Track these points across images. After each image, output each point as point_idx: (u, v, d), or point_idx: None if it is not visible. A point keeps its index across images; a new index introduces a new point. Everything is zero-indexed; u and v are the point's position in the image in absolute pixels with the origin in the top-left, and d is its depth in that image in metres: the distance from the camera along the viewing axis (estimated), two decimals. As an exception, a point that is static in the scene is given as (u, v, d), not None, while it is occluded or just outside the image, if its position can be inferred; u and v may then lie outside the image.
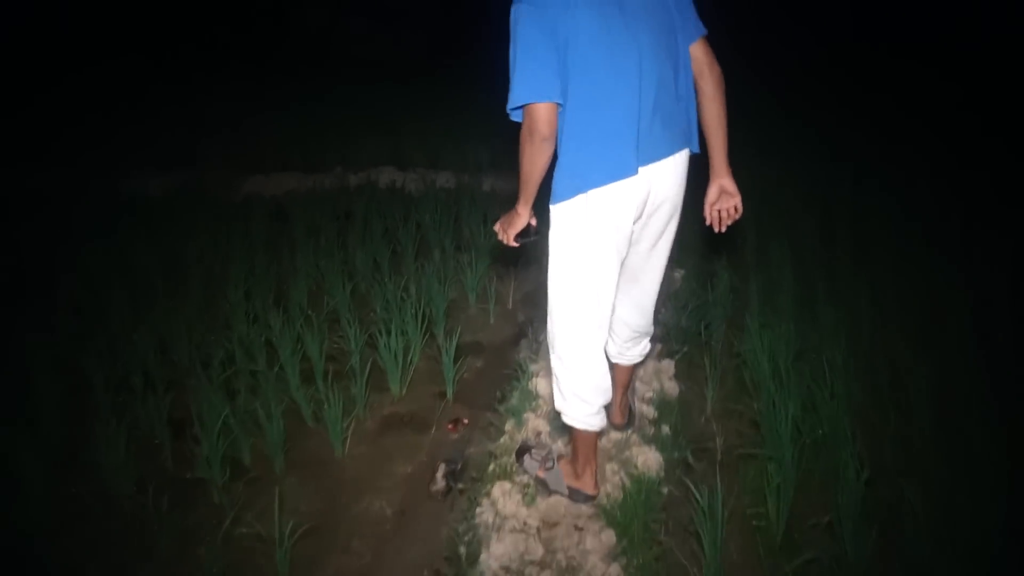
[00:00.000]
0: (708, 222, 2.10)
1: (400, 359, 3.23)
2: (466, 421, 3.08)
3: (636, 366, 2.57)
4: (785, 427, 2.41)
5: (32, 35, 10.91)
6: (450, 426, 3.04)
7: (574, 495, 2.35)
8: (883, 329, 3.42)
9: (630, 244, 2.07)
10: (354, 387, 3.09)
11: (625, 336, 2.38)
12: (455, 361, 3.25)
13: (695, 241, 4.42)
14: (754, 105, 6.31)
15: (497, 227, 2.13)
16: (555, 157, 1.93)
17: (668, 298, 3.89)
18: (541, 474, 2.44)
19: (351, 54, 11.68)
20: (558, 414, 2.31)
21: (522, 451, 2.56)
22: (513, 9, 1.80)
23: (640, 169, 1.91)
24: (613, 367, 2.40)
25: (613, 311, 2.21)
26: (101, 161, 6.25)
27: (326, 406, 2.83)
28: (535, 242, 2.17)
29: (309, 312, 3.59)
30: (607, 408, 2.40)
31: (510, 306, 4.07)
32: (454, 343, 3.27)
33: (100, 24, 11.28)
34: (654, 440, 2.69)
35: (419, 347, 3.43)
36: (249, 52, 11.06)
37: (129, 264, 4.25)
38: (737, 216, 2.08)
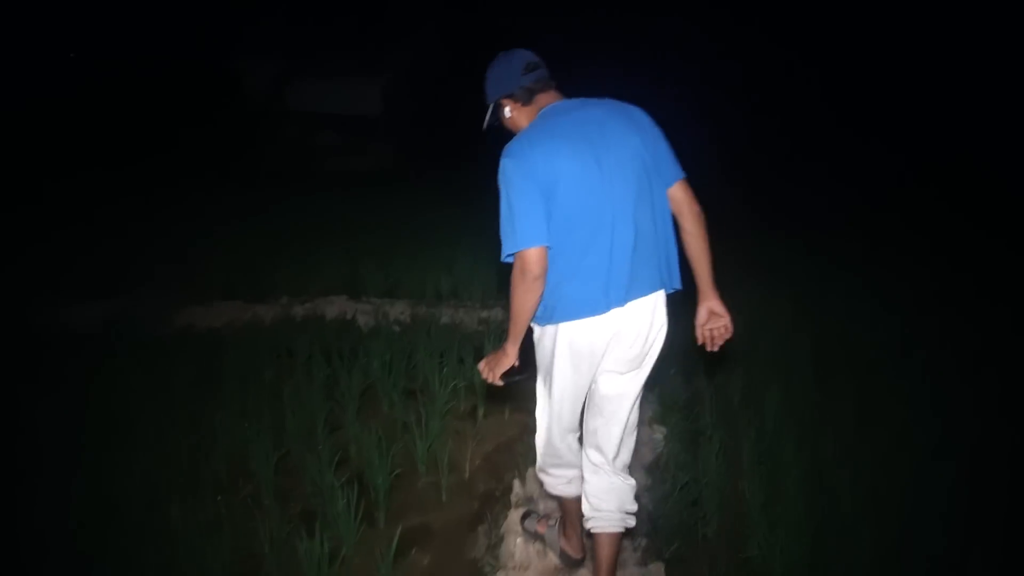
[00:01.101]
0: (700, 342, 2.26)
1: (324, 566, 2.60)
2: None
3: (617, 543, 2.40)
4: None
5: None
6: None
7: (563, 557, 2.68)
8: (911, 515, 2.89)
9: (597, 371, 2.23)
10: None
11: (587, 464, 2.39)
12: (397, 556, 2.66)
13: (677, 393, 3.92)
14: (745, 225, 6.01)
15: (482, 366, 2.22)
16: None
17: (650, 467, 3.34)
18: (541, 529, 2.80)
19: (319, 167, 11.43)
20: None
21: (526, 515, 2.93)
22: (502, 163, 2.01)
23: (613, 309, 2.08)
24: (592, 538, 2.44)
25: (580, 433, 2.43)
26: (18, 288, 5.66)
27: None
28: (519, 383, 2.25)
29: (219, 499, 2.97)
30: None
31: (467, 475, 3.48)
32: (395, 538, 2.67)
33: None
34: None
35: (352, 541, 2.82)
36: (209, 164, 10.72)
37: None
38: (728, 336, 2.23)
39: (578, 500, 2.44)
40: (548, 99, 2.14)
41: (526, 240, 1.95)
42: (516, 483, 3.25)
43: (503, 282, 5.38)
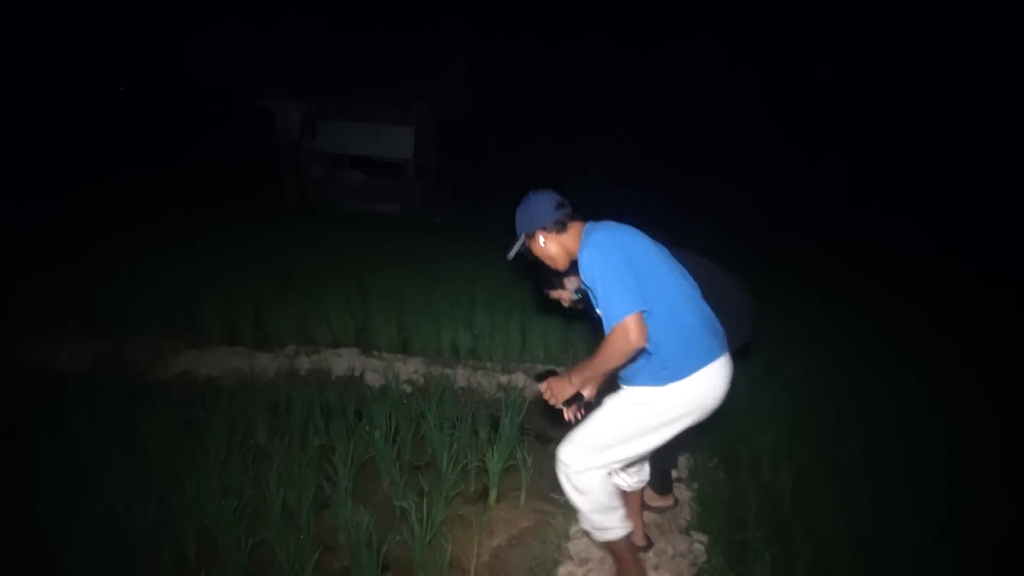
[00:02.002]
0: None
1: None
2: None
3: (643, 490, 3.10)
4: None
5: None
6: None
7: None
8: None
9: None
10: None
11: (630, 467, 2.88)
12: None
13: (719, 490, 3.42)
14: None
15: (544, 388, 2.51)
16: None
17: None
18: None
19: (341, 207, 11.18)
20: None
21: None
22: (587, 252, 2.35)
23: (723, 355, 2.47)
24: (624, 495, 2.88)
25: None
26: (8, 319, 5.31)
27: None
28: (583, 408, 2.57)
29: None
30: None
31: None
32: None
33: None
34: None
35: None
36: (229, 198, 10.51)
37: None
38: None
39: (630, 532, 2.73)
40: (579, 225, 2.53)
41: (630, 306, 2.23)
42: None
43: (527, 342, 4.92)
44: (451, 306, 5.96)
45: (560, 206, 2.51)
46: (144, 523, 2.96)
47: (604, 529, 2.59)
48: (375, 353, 5.21)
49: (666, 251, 2.51)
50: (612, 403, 2.49)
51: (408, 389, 4.81)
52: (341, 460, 3.38)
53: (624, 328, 2.21)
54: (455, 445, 3.71)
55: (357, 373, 4.97)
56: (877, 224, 10.27)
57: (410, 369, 4.98)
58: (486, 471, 3.59)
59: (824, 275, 8.32)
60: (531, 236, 2.54)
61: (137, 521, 2.96)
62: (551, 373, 2.59)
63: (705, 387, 2.39)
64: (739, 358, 2.77)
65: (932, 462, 3.91)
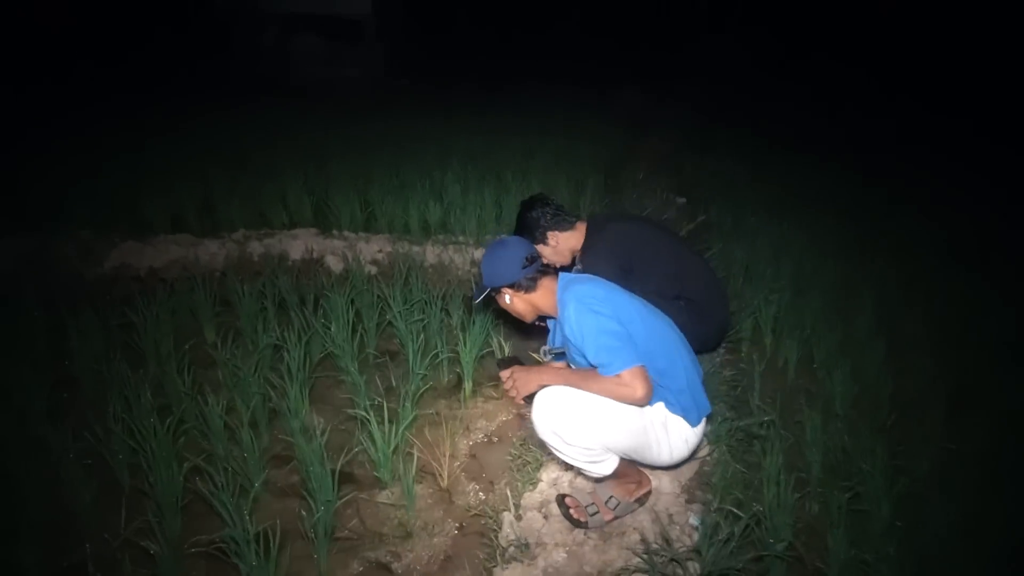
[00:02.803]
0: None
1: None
2: None
3: None
4: None
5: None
6: None
7: (643, 499, 2.37)
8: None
9: None
10: None
11: None
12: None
13: (717, 369, 3.06)
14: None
15: (506, 377, 2.23)
16: None
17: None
18: (608, 517, 2.32)
19: (296, 75, 10.26)
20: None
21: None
22: (572, 309, 2.14)
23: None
24: None
25: None
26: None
27: None
28: None
29: (105, 536, 2.15)
30: None
31: (445, 483, 2.66)
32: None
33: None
34: None
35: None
36: (168, 72, 9.58)
37: None
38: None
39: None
40: (551, 281, 2.32)
41: (631, 359, 2.04)
42: (509, 497, 2.44)
43: (504, 212, 4.40)
44: (419, 177, 5.39)
45: (530, 262, 2.29)
46: (66, 450, 2.58)
47: (598, 463, 2.17)
48: (335, 233, 4.71)
49: (646, 303, 2.32)
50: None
51: (372, 271, 4.37)
52: (293, 359, 2.98)
53: (624, 383, 2.01)
54: (423, 334, 3.31)
55: (316, 255, 4.49)
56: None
57: (374, 249, 4.50)
58: (460, 361, 3.21)
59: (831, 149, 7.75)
60: (496, 291, 2.36)
61: (57, 449, 2.57)
62: (515, 360, 2.35)
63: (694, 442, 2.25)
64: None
65: (951, 325, 3.56)
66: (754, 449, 2.57)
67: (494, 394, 3.23)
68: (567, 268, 3.09)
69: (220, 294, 3.76)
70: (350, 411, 2.91)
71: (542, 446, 2.47)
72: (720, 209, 5.06)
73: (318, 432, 2.54)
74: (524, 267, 2.27)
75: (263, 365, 3.09)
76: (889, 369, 3.09)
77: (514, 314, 2.42)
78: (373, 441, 2.57)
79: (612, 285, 2.30)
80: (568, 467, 2.49)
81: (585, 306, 2.10)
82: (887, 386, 2.96)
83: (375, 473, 2.63)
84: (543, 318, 2.45)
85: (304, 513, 2.33)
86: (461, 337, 3.22)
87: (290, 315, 3.46)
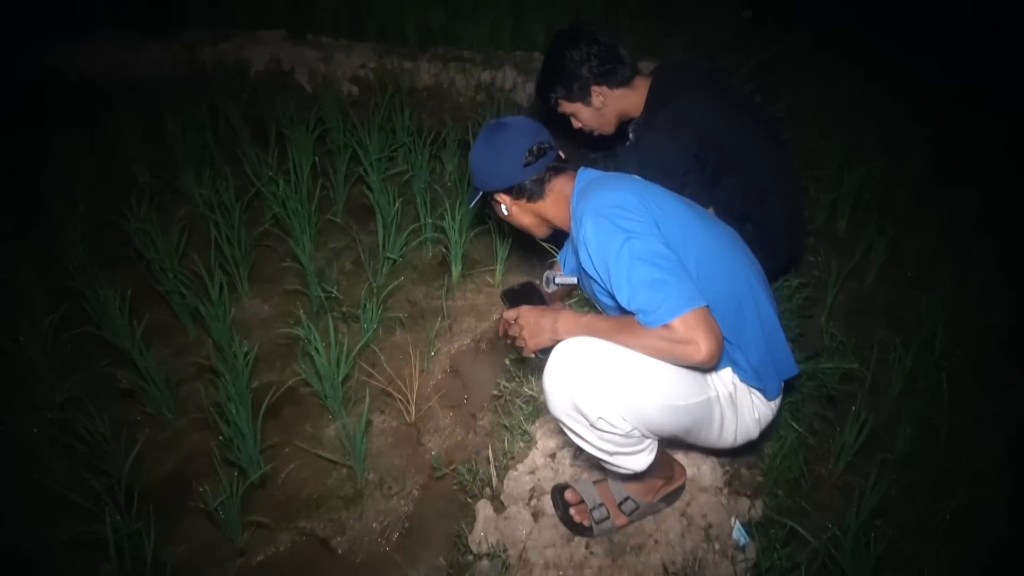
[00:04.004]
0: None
1: None
2: None
3: None
4: None
5: None
6: None
7: (671, 497, 1.66)
8: None
9: None
10: None
11: None
12: None
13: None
14: None
15: (512, 320, 1.50)
16: None
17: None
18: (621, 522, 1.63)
19: None
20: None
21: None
22: (592, 224, 1.37)
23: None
24: None
25: None
26: None
27: None
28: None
29: None
30: None
31: (412, 416, 2.06)
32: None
33: None
34: None
35: None
36: None
37: None
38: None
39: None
40: (565, 181, 1.58)
41: (690, 299, 1.28)
42: (491, 463, 1.84)
43: (523, 21, 3.39)
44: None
45: (535, 155, 1.55)
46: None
47: (632, 455, 1.42)
48: (310, 38, 3.74)
49: (710, 218, 1.56)
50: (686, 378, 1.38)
51: (353, 91, 3.49)
52: (231, 226, 2.28)
53: (678, 336, 1.26)
54: (403, 196, 2.55)
55: (285, 67, 3.59)
56: None
57: (355, 62, 3.57)
58: (447, 234, 2.48)
59: None
60: (488, 197, 1.65)
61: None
62: (528, 293, 1.66)
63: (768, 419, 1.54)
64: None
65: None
66: (827, 415, 1.90)
67: (489, 281, 2.53)
68: (607, 140, 2.22)
69: (157, 116, 2.97)
70: (292, 313, 2.25)
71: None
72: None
73: (242, 354, 1.89)
74: (527, 163, 1.54)
75: (194, 235, 2.40)
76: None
77: (519, 228, 1.69)
78: (316, 371, 1.93)
79: (655, 188, 1.51)
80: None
81: (609, 221, 1.35)
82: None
83: (320, 402, 2.03)
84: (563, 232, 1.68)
85: (218, 469, 1.75)
86: (455, 203, 2.45)
87: (237, 155, 2.69)
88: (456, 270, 2.50)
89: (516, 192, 1.57)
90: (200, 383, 2.08)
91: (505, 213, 1.63)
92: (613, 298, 1.35)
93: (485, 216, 2.32)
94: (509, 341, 1.52)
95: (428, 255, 2.62)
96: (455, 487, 1.85)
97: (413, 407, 2.04)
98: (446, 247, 2.51)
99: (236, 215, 2.37)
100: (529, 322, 1.46)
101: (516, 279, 2.45)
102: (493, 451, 1.82)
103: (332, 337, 1.90)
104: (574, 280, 1.65)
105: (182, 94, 3.16)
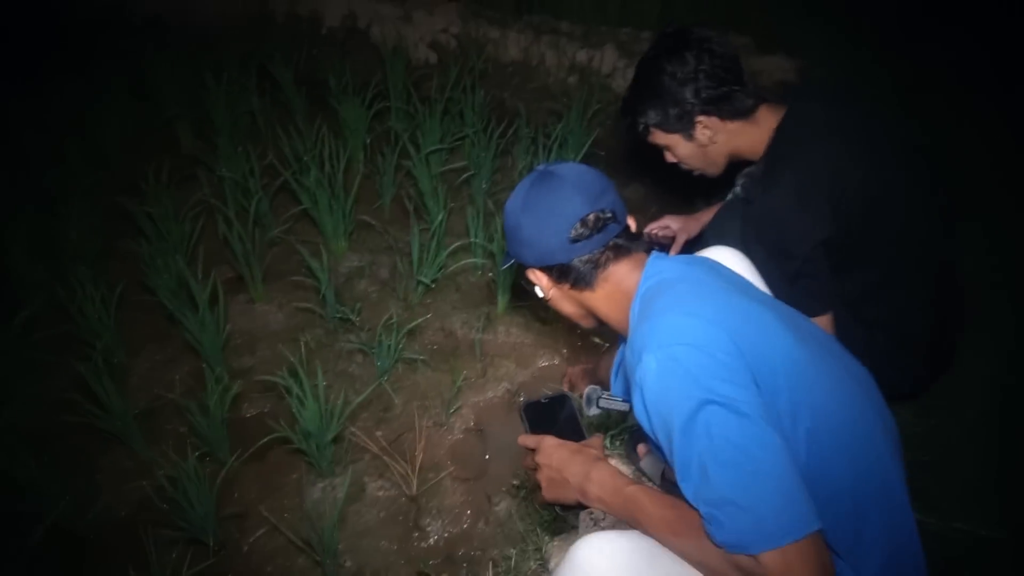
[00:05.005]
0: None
1: None
2: None
3: None
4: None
5: None
6: None
7: None
8: None
9: None
10: None
11: None
12: None
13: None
14: None
15: (532, 446, 1.09)
16: None
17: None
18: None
19: None
20: None
21: None
22: (656, 371, 0.92)
23: None
24: None
25: None
26: None
27: None
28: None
29: None
30: None
31: (414, 488, 1.69)
32: None
33: None
34: None
35: None
36: None
37: None
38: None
39: None
40: (630, 270, 1.09)
41: (802, 524, 0.83)
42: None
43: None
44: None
45: (592, 227, 1.06)
46: None
47: None
48: (395, -9, 3.34)
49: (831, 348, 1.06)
50: None
51: (430, 58, 3.08)
52: (241, 213, 1.95)
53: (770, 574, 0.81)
54: (462, 196, 2.15)
55: (361, 25, 3.22)
56: None
57: (438, 24, 3.15)
58: (495, 256, 2.06)
59: None
60: (522, 270, 1.20)
61: None
62: (558, 411, 1.16)
63: None
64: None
65: None
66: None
67: (542, 316, 2.11)
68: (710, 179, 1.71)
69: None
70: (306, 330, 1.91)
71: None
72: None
73: (217, 391, 1.57)
74: (576, 238, 1.07)
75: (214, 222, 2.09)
76: None
77: (558, 312, 1.23)
78: (301, 418, 1.58)
79: (752, 306, 1.01)
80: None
81: (682, 368, 0.90)
82: None
83: (306, 458, 1.68)
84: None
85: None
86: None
87: (285, 129, 2.35)
88: (503, 300, 2.09)
89: (558, 274, 1.12)
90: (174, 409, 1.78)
91: (540, 295, 1.18)
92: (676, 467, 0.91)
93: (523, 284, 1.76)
94: (534, 476, 1.11)
95: (476, 275, 2.22)
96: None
97: (415, 478, 1.67)
98: (495, 270, 2.11)
99: (254, 205, 2.03)
100: (551, 462, 1.03)
101: (544, 381, 1.96)
102: (494, 572, 1.44)
103: (320, 389, 1.55)
104: (625, 407, 1.20)
105: (240, 46, 2.84)
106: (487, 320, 2.06)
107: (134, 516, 1.62)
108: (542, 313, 2.11)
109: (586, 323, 1.21)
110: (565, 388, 1.85)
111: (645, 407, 0.94)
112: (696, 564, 0.88)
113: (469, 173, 2.34)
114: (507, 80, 3.00)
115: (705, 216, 1.83)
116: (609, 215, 1.07)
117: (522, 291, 2.11)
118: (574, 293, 1.13)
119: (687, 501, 0.89)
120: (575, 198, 1.07)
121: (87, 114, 2.43)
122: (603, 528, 1.31)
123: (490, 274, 2.14)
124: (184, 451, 1.53)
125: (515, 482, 1.65)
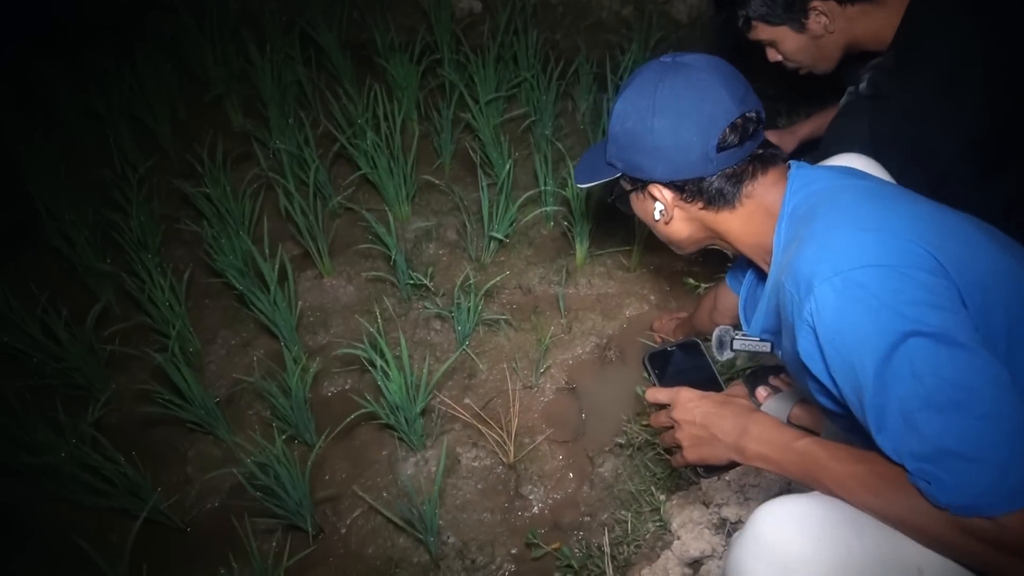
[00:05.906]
0: None
1: None
2: None
3: None
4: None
5: None
6: None
7: None
8: None
9: None
10: None
11: None
12: None
13: None
14: None
15: (665, 400, 0.92)
16: None
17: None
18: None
19: None
20: None
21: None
22: (835, 297, 0.76)
23: None
24: None
25: None
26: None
27: None
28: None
29: None
30: None
31: (511, 456, 1.59)
32: None
33: None
34: None
35: None
36: None
37: None
38: None
39: None
40: (769, 187, 0.92)
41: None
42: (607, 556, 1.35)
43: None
44: None
45: (741, 133, 0.88)
46: None
47: None
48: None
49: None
50: None
51: (475, 7, 2.91)
52: (301, 186, 1.86)
53: (1013, 540, 0.64)
54: (525, 145, 2.01)
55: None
56: None
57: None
58: (570, 202, 1.92)
59: None
60: (635, 185, 0.99)
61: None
62: (688, 358, 1.01)
63: None
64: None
65: None
66: None
67: (624, 263, 1.97)
68: (819, 78, 1.50)
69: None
70: (380, 300, 1.82)
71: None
72: None
73: (296, 371, 1.49)
74: (724, 146, 0.90)
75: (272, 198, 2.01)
76: None
77: (659, 235, 1.06)
78: (386, 391, 1.49)
79: (932, 201, 0.87)
80: (719, 523, 1.29)
81: (872, 296, 0.74)
82: None
83: (395, 433, 1.60)
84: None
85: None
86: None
87: (326, 99, 2.24)
88: (581, 249, 1.95)
89: (691, 190, 0.94)
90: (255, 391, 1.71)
91: (657, 217, 1.00)
92: (858, 410, 0.77)
93: (610, 202, 1.54)
94: (659, 438, 0.98)
95: (549, 226, 2.09)
96: (558, 573, 1.38)
97: (511, 444, 1.56)
98: (569, 218, 1.97)
99: (312, 175, 1.94)
100: (693, 418, 0.88)
101: (636, 332, 1.80)
102: (609, 536, 1.33)
103: (405, 360, 1.45)
104: (766, 348, 1.05)
105: (281, 16, 2.73)
106: (566, 273, 1.93)
107: (227, 505, 1.56)
108: (624, 260, 1.97)
109: (691, 251, 1.06)
110: (658, 341, 1.72)
111: (820, 348, 0.78)
112: (905, 528, 0.73)
113: (530, 119, 2.19)
114: (559, 20, 2.81)
115: (803, 128, 1.64)
116: (755, 118, 0.91)
117: (601, 238, 1.97)
118: (705, 214, 0.96)
119: (854, 421, 0.75)
120: (723, 97, 0.90)
121: (136, 101, 2.37)
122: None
123: (565, 223, 1.99)
124: (270, 435, 1.47)
125: (619, 440, 1.53)
